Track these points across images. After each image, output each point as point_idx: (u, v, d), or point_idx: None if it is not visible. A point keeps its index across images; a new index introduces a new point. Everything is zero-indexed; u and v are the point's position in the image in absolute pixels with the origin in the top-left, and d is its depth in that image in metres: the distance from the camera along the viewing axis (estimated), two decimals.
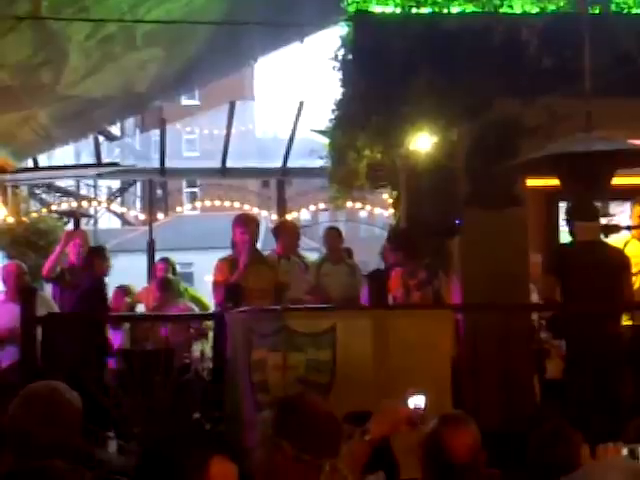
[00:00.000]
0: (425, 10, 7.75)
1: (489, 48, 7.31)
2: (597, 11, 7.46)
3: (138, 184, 23.34)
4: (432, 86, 7.27)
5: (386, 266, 8.38)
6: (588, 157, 5.91)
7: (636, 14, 7.82)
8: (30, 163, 14.70)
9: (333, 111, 8.78)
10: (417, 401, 3.56)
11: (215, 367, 6.85)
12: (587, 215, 7.07)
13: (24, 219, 13.75)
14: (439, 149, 7.60)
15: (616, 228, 7.60)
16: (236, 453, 2.84)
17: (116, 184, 21.22)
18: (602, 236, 7.24)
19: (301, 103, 13.92)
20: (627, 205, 8.72)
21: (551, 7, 7.74)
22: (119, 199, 22.77)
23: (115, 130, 22.25)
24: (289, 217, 14.09)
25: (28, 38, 9.37)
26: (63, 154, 17.52)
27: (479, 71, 7.28)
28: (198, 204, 18.12)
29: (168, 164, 14.33)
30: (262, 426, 3.12)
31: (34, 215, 14.25)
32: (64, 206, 15.95)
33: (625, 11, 7.81)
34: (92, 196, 20.63)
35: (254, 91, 42.07)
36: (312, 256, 10.06)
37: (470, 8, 7.73)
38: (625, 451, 3.41)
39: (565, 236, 7.75)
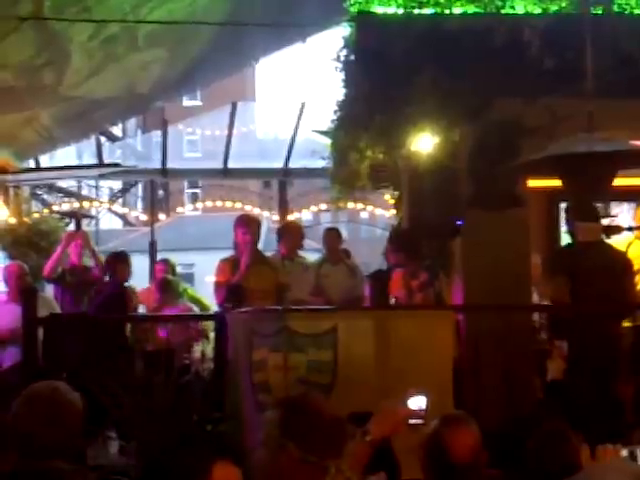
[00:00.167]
0: (427, 11, 7.76)
1: (491, 49, 7.32)
2: (599, 12, 7.47)
3: (140, 185, 23.37)
4: (434, 87, 7.28)
5: (388, 267, 8.38)
6: (590, 158, 5.91)
7: (638, 15, 7.82)
8: (32, 164, 14.71)
9: (335, 112, 8.78)
10: (418, 402, 3.56)
11: (216, 368, 6.85)
12: (588, 216, 7.06)
13: (26, 220, 13.74)
14: (441, 150, 7.60)
15: (618, 229, 7.60)
16: (239, 457, 2.84)
17: (118, 185, 21.20)
18: (604, 237, 7.23)
19: (303, 104, 13.92)
20: (625, 206, 8.73)
21: (553, 8, 7.74)
22: (121, 200, 22.77)
23: (117, 131, 22.26)
24: (291, 218, 14.09)
25: (30, 39, 9.37)
26: (65, 155, 17.52)
27: (481, 72, 7.28)
28: (200, 205, 18.14)
29: (170, 165, 14.32)
30: (267, 426, 3.12)
31: (36, 216, 14.24)
32: (66, 207, 15.94)
33: (627, 12, 7.81)
34: (94, 197, 20.63)
35: (256, 92, 42.11)
36: (313, 257, 10.03)
37: (472, 9, 7.74)
38: (625, 452, 3.41)
39: (566, 237, 7.76)
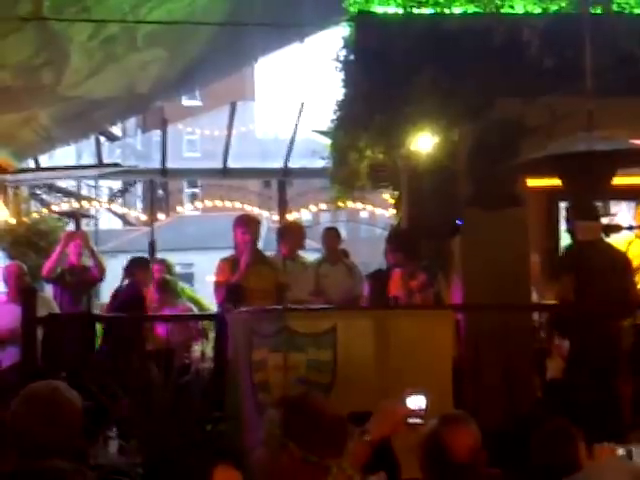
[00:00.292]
0: (427, 10, 7.75)
1: (491, 48, 7.31)
2: (598, 11, 7.46)
3: (139, 185, 23.32)
4: (434, 86, 7.27)
5: (388, 266, 8.37)
6: (589, 157, 5.91)
7: (637, 14, 7.82)
8: (31, 163, 14.70)
9: (335, 111, 8.78)
10: (417, 401, 3.55)
11: (216, 367, 6.85)
12: (588, 215, 7.07)
13: (25, 220, 13.75)
14: (440, 149, 7.60)
15: (617, 228, 7.60)
16: (240, 460, 2.84)
17: (117, 184, 21.19)
18: (603, 236, 7.24)
19: (302, 104, 13.92)
20: (623, 205, 8.73)
21: (553, 7, 7.74)
22: (120, 199, 22.73)
23: (116, 130, 22.23)
24: (290, 217, 14.09)
25: (30, 39, 9.37)
26: (64, 155, 17.51)
27: (481, 71, 7.28)
28: (199, 204, 18.08)
29: (169, 164, 14.33)
30: (267, 426, 3.11)
31: (35, 216, 14.25)
32: (65, 207, 15.94)
33: (627, 11, 7.81)
34: (93, 197, 20.61)
35: (255, 92, 42.11)
36: (313, 256, 10.02)
37: (472, 8, 7.73)
38: (621, 451, 3.40)
39: (566, 236, 7.76)
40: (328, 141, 9.43)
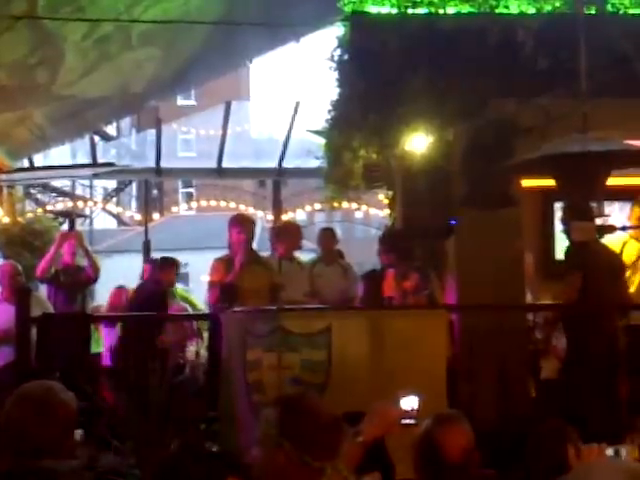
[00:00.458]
0: (421, 10, 7.75)
1: (485, 48, 7.31)
2: (593, 12, 7.47)
3: (134, 184, 23.34)
4: (428, 86, 7.27)
5: (382, 267, 8.37)
6: (583, 158, 5.91)
7: (632, 15, 7.82)
8: (26, 163, 14.68)
9: (329, 111, 8.77)
10: (410, 402, 3.55)
11: (210, 367, 6.84)
12: (583, 215, 7.07)
13: (19, 219, 13.73)
14: (435, 149, 7.60)
15: (611, 228, 7.60)
16: (249, 475, 2.84)
17: (112, 184, 21.17)
18: (597, 236, 7.25)
19: (297, 103, 13.91)
20: (616, 205, 8.72)
21: (547, 8, 7.74)
22: (115, 199, 22.73)
23: (111, 130, 22.20)
24: (285, 217, 14.09)
25: (24, 38, 9.36)
26: (59, 154, 17.49)
27: (475, 71, 7.28)
28: (194, 204, 18.12)
29: (164, 164, 14.30)
30: (263, 425, 3.11)
31: (29, 215, 14.24)
32: (59, 206, 15.93)
33: (621, 12, 7.81)
34: (88, 196, 20.61)
35: (250, 91, 42.07)
36: (308, 257, 10.02)
37: (466, 8, 7.73)
38: (610, 452, 3.40)
39: (561, 237, 7.76)
40: (323, 141, 9.44)
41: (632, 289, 7.48)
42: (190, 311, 9.87)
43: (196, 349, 8.68)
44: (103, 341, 9.86)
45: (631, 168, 6.89)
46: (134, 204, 27.45)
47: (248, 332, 5.98)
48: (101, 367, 9.16)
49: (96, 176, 15.36)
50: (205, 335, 8.34)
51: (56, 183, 17.84)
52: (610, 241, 7.43)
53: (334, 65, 8.15)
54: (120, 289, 10.35)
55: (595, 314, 6.80)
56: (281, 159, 14.20)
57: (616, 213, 8.64)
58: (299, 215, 15.23)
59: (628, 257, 7.54)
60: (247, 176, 16.97)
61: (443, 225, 7.68)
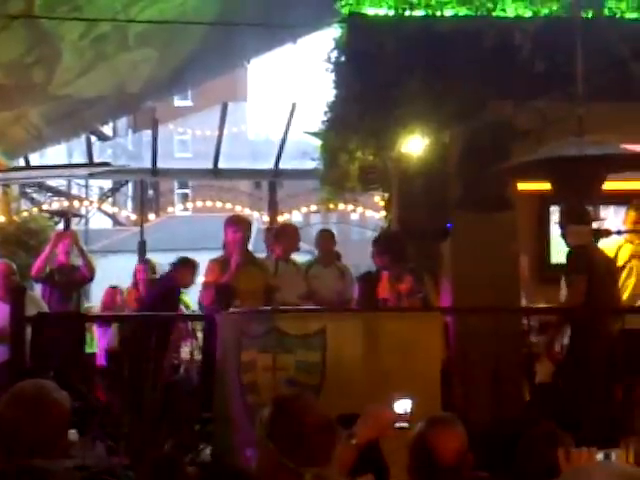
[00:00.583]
0: (418, 13, 7.75)
1: (482, 51, 7.31)
2: (590, 15, 7.47)
3: (130, 184, 23.30)
4: (425, 89, 7.27)
5: (377, 269, 8.36)
6: (580, 161, 5.92)
7: (629, 18, 7.83)
8: (22, 162, 14.67)
9: (326, 113, 8.76)
10: (404, 405, 3.55)
11: (205, 368, 6.83)
12: (579, 219, 7.08)
13: (15, 218, 13.72)
14: (431, 152, 7.60)
15: (607, 232, 7.61)
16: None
17: (108, 184, 21.18)
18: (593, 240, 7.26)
19: (293, 105, 13.91)
20: (611, 209, 8.74)
21: (544, 11, 7.74)
22: (110, 199, 22.72)
23: (107, 130, 22.20)
24: (281, 219, 14.09)
25: (21, 37, 9.35)
26: (55, 153, 17.47)
27: (472, 74, 7.28)
28: (190, 205, 18.11)
29: (160, 165, 14.31)
30: (257, 425, 3.10)
31: (25, 214, 14.23)
32: (55, 206, 15.93)
33: (618, 16, 7.82)
34: (83, 196, 20.61)
35: (247, 92, 42.06)
36: (304, 258, 10.01)
37: (463, 11, 7.73)
38: (600, 456, 3.39)
39: (556, 240, 7.77)
40: (319, 142, 9.43)
41: (626, 293, 7.50)
42: (184, 312, 9.84)
43: (191, 349, 8.66)
44: (97, 342, 9.85)
45: (627, 172, 6.89)
46: (130, 204, 27.40)
47: (243, 333, 5.98)
48: (95, 367, 9.16)
49: (92, 176, 15.36)
50: (200, 335, 8.32)
51: (52, 182, 17.83)
52: (605, 245, 7.44)
53: (331, 67, 8.15)
54: (114, 289, 10.35)
55: (597, 317, 6.80)
56: (277, 160, 14.20)
57: (611, 217, 8.65)
58: (295, 217, 15.23)
59: (622, 261, 7.56)
60: (243, 177, 16.98)
61: (439, 227, 7.68)
